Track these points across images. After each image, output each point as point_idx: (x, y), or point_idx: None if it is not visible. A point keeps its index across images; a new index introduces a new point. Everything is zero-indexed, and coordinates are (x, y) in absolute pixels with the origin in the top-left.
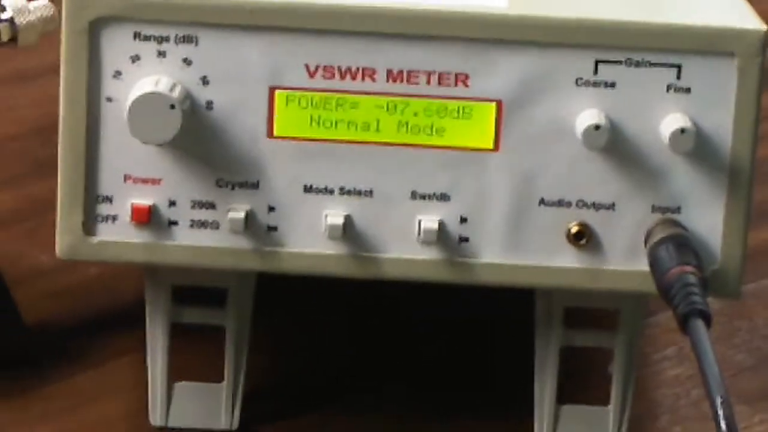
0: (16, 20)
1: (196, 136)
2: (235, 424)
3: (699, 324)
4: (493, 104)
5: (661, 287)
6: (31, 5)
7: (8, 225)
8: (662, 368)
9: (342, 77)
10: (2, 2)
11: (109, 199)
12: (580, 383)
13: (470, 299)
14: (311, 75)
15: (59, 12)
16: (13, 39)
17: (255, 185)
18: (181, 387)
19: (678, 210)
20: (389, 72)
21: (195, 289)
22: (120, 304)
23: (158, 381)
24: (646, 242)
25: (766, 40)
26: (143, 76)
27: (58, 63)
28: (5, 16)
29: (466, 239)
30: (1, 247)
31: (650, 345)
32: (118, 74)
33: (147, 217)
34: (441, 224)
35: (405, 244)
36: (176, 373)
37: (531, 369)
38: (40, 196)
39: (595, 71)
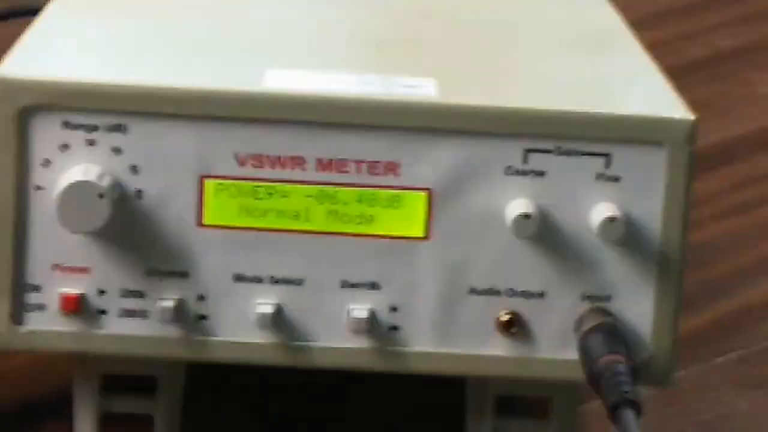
0: None
1: (125, 225)
2: None
3: (627, 413)
4: (424, 193)
5: (590, 376)
6: None
7: None
8: None
9: (272, 166)
10: None
11: (37, 288)
12: None
13: (403, 388)
14: (241, 163)
15: None
16: None
17: (185, 274)
18: None
19: (608, 298)
20: (319, 161)
21: (124, 378)
22: (47, 395)
23: None
24: (576, 331)
25: (694, 130)
26: (72, 165)
27: None
28: None
29: (396, 328)
30: None
31: None
32: (47, 163)
33: (76, 306)
34: (371, 313)
35: (335, 333)
36: None
37: None
38: None
39: (525, 160)
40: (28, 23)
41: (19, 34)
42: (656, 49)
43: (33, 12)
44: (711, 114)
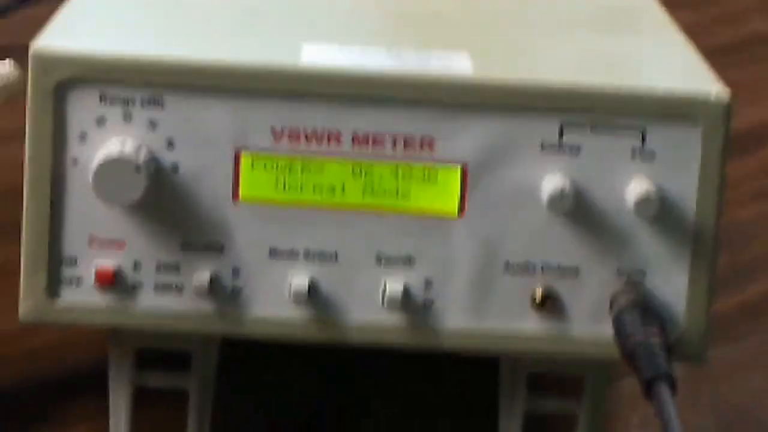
0: None
1: (161, 199)
2: None
3: (663, 389)
4: (458, 168)
5: (625, 352)
6: None
7: None
8: None
9: (308, 140)
10: None
11: (73, 262)
12: None
13: (434, 363)
14: (277, 138)
15: (25, 75)
16: None
17: (220, 248)
18: None
19: (642, 275)
20: (355, 135)
21: (158, 353)
22: (81, 369)
23: None
24: (610, 307)
25: (730, 108)
26: (108, 139)
27: (18, 130)
28: None
29: (431, 304)
30: None
31: (614, 412)
32: (83, 136)
33: (111, 280)
34: (406, 288)
35: (370, 309)
36: None
37: None
38: (0, 260)
39: (560, 136)
40: (60, 4)
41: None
42: (690, 31)
43: None
44: (744, 97)
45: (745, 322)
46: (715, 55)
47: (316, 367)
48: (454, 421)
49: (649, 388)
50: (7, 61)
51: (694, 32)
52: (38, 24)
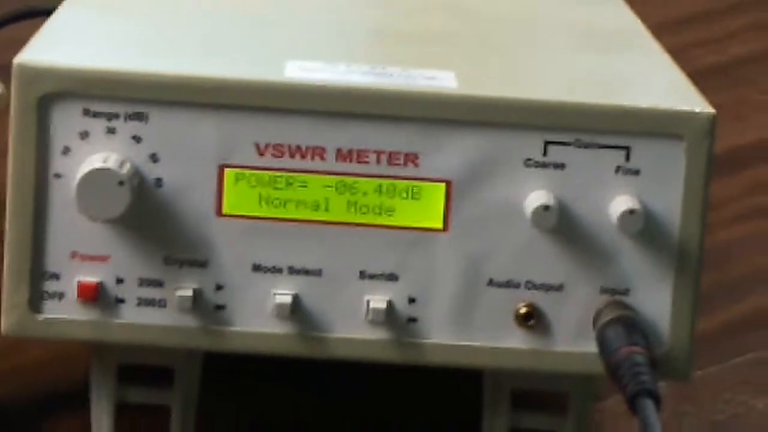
0: None
1: (144, 214)
2: None
3: (648, 403)
4: (443, 184)
5: (609, 367)
6: None
7: None
8: None
9: (291, 156)
10: None
11: (55, 276)
12: None
13: (416, 379)
14: (261, 153)
15: (9, 91)
16: None
17: (203, 263)
18: None
19: (626, 292)
20: (339, 151)
21: (140, 368)
22: (64, 385)
23: None
24: (594, 323)
25: (714, 124)
26: (92, 153)
27: (1, 146)
28: None
29: (415, 319)
30: None
31: (597, 430)
32: (66, 150)
33: (94, 295)
34: (389, 304)
35: (353, 324)
36: None
37: None
38: None
39: (545, 152)
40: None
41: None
42: (671, 54)
43: (47, 12)
44: (725, 120)
45: (729, 341)
46: (696, 79)
47: (298, 380)
48: None
49: (633, 403)
50: None
51: (674, 56)
52: (22, 43)
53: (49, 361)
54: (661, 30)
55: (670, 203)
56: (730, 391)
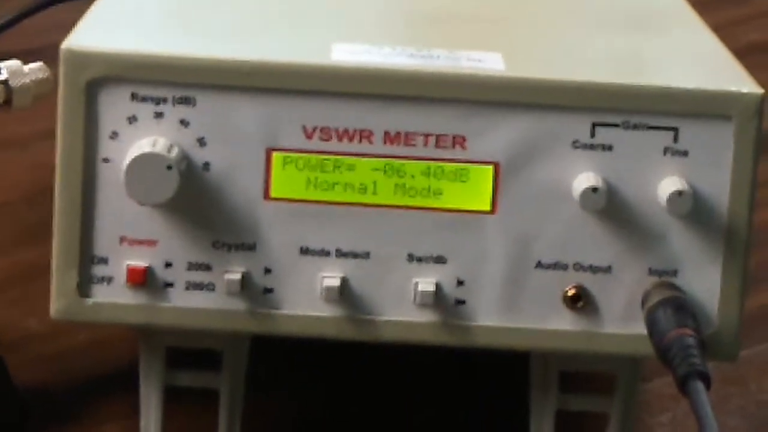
0: (11, 82)
1: (192, 198)
2: None
3: (699, 385)
4: (491, 167)
5: (659, 349)
6: (26, 68)
7: None
8: None
9: (339, 139)
10: None
11: (104, 261)
12: None
13: (465, 362)
14: (308, 136)
15: (54, 75)
16: (8, 101)
17: (252, 247)
18: None
19: (675, 273)
20: (386, 134)
21: (188, 352)
22: (112, 369)
23: None
24: (642, 305)
25: (763, 104)
26: (140, 137)
27: (48, 130)
28: (0, 77)
29: (463, 302)
30: None
31: (644, 411)
32: (114, 135)
33: (142, 279)
34: (437, 287)
35: (401, 307)
36: None
37: None
38: (30, 262)
39: (593, 134)
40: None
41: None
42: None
43: None
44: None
45: None
46: (739, 57)
47: (346, 365)
48: (485, 419)
49: (684, 385)
50: (38, 63)
51: (716, 33)
52: (63, 26)
53: (95, 346)
54: (702, 7)
55: (719, 184)
56: None
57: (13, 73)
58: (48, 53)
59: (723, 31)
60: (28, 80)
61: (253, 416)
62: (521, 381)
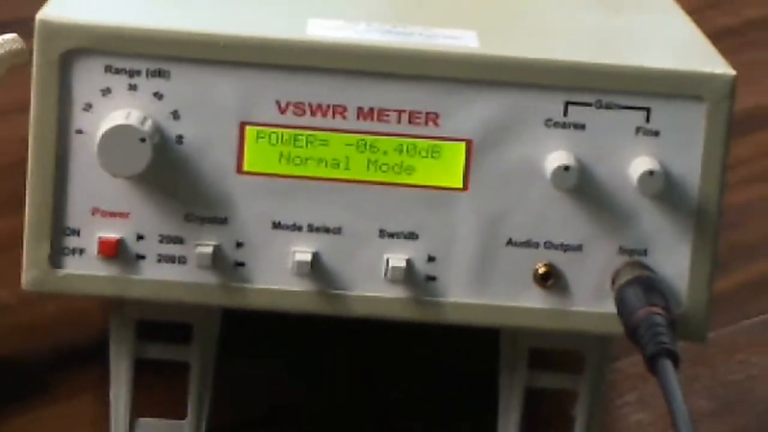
0: None
1: (165, 170)
2: None
3: (667, 364)
4: (463, 144)
5: (628, 327)
6: (0, 38)
7: None
8: (624, 413)
9: (312, 114)
10: None
11: (76, 232)
12: (544, 425)
13: (433, 339)
14: (282, 111)
15: (29, 47)
16: None
17: (224, 220)
18: (144, 423)
19: (645, 252)
20: (360, 110)
21: (159, 325)
22: (82, 340)
23: (121, 417)
24: (612, 284)
25: (735, 86)
26: (114, 109)
27: (21, 102)
28: None
29: (434, 278)
30: None
31: (612, 390)
32: (88, 107)
33: (114, 251)
34: (408, 262)
35: (372, 282)
36: (139, 409)
37: (495, 410)
38: (1, 232)
39: (565, 113)
40: None
41: None
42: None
43: None
44: (741, 81)
45: (746, 302)
46: (710, 41)
47: (318, 338)
48: (453, 396)
49: (652, 363)
50: (12, 35)
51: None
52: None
53: (65, 317)
54: None
55: (690, 164)
56: (744, 352)
57: None
58: (22, 26)
59: (697, 14)
60: (1, 51)
61: (223, 387)
62: (490, 358)
